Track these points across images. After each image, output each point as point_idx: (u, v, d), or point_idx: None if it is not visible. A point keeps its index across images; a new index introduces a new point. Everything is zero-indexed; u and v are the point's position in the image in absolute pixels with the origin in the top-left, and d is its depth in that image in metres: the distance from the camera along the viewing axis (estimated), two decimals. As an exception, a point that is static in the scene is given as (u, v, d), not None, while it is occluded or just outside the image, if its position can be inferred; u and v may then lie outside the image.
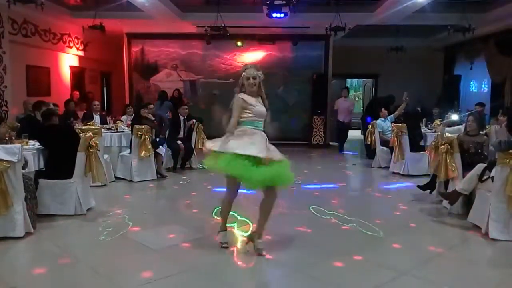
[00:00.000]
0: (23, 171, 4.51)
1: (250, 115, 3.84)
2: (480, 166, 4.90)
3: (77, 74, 12.18)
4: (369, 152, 9.61)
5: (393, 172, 8.04)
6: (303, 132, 12.45)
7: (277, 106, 12.27)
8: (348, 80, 16.88)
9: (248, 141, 3.72)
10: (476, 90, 12.78)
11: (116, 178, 7.26)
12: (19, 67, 9.34)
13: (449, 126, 6.88)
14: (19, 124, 6.66)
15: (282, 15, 8.13)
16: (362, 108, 17.29)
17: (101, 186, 6.24)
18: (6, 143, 4.44)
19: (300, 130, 12.50)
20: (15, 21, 9.09)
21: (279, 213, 4.84)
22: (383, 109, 9.09)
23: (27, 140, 5.45)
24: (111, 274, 3.58)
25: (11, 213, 4.18)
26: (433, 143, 5.84)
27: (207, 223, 4.97)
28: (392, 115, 8.90)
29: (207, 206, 5.44)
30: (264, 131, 3.89)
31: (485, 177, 4.76)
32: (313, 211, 5.38)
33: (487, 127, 6.71)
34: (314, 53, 12.49)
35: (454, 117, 7.68)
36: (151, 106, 8.05)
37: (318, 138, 12.24)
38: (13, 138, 5.20)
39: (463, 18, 9.18)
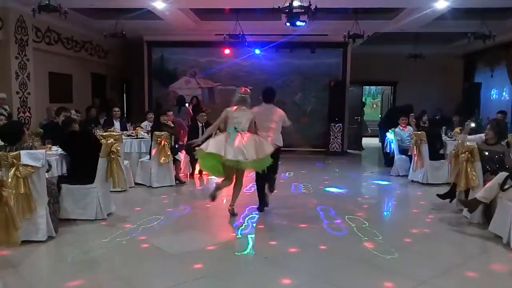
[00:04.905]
0: (47, 175, 4.61)
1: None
2: (502, 174, 4.80)
3: (98, 81, 12.41)
4: (387, 160, 9.54)
5: (412, 181, 7.94)
6: (320, 140, 12.44)
7: (294, 113, 12.32)
8: (366, 87, 16.78)
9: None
10: (497, 98, 12.60)
11: (136, 183, 7.35)
12: (42, 74, 9.58)
13: (470, 134, 6.78)
14: (42, 130, 6.83)
15: (300, 23, 8.14)
16: (380, 115, 17.17)
17: (121, 191, 6.33)
18: (30, 149, 4.54)
19: (317, 138, 12.49)
20: (39, 30, 9.34)
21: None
22: (403, 118, 8.95)
23: (50, 145, 5.59)
24: (131, 279, 3.62)
25: (34, 217, 4.27)
26: (453, 151, 5.76)
27: (225, 229, 5.03)
28: (411, 127, 8.77)
29: (225, 211, 5.49)
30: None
31: (507, 186, 4.67)
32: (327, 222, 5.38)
33: (508, 135, 6.58)
34: (332, 60, 12.44)
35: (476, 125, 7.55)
36: (170, 113, 8.14)
37: (335, 146, 12.18)
38: (35, 144, 5.31)
39: (483, 25, 9.04)
